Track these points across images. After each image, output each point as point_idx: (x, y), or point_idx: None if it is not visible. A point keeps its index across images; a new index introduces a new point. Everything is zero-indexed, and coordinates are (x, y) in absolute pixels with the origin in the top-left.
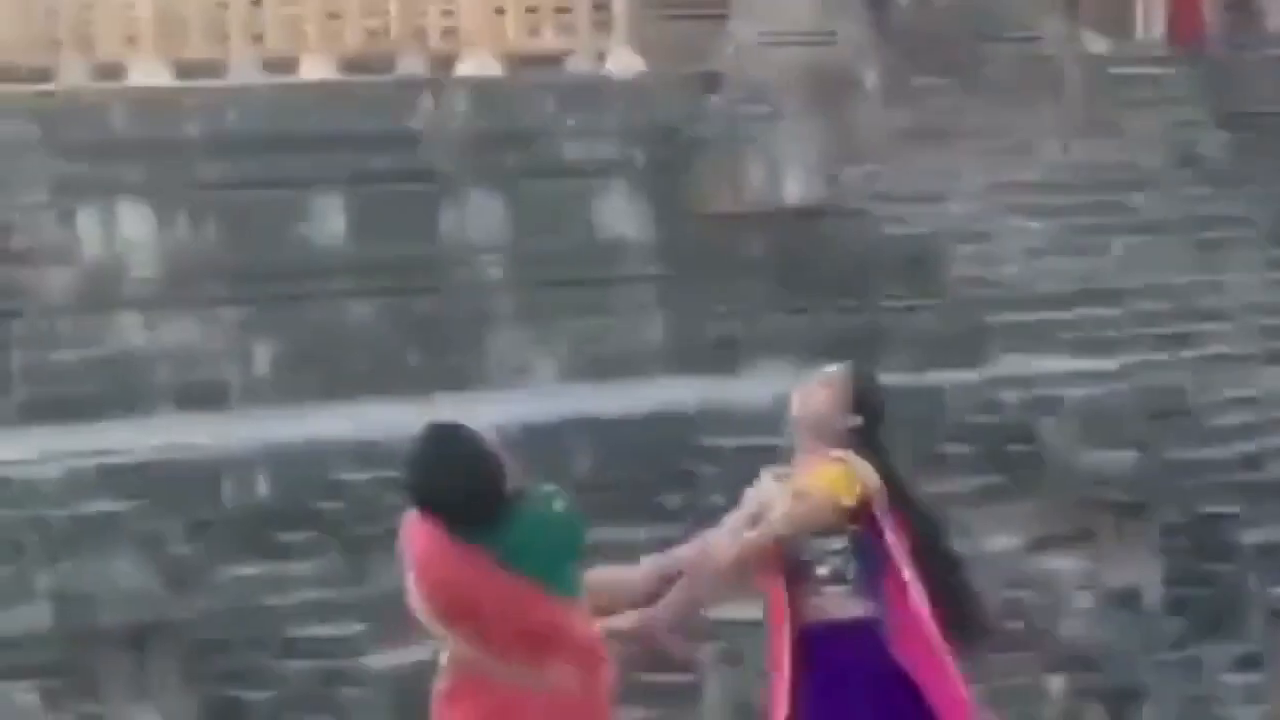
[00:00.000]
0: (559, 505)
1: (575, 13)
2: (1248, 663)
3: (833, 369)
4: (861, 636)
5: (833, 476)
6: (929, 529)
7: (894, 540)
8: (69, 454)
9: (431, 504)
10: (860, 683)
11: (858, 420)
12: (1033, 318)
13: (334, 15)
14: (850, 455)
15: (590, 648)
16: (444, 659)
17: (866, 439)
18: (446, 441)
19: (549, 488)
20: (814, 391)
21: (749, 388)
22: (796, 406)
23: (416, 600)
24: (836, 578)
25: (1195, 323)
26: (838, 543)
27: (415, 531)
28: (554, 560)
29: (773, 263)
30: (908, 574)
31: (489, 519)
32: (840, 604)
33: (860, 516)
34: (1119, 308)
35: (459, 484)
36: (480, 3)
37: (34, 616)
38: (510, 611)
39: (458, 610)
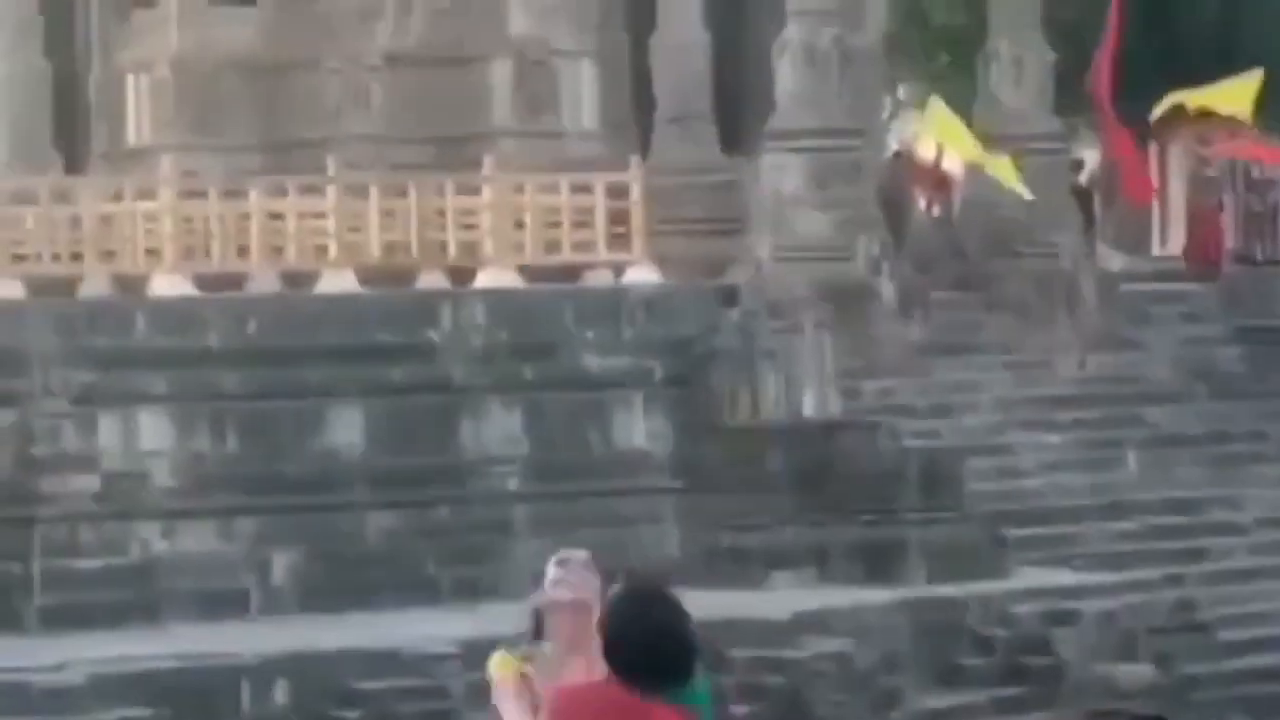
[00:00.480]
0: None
1: (593, 227)
2: None
3: (577, 551)
4: None
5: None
6: None
7: None
8: (90, 661)
9: (650, 668)
10: None
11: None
12: (1050, 531)
13: (354, 229)
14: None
15: None
16: None
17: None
18: (658, 604)
19: None
20: (571, 572)
21: (766, 600)
22: (554, 592)
23: None
24: None
25: (1210, 537)
26: None
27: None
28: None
29: (790, 475)
30: None
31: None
32: None
33: None
34: (1135, 521)
35: (679, 646)
36: (499, 217)
37: None
38: None
39: None
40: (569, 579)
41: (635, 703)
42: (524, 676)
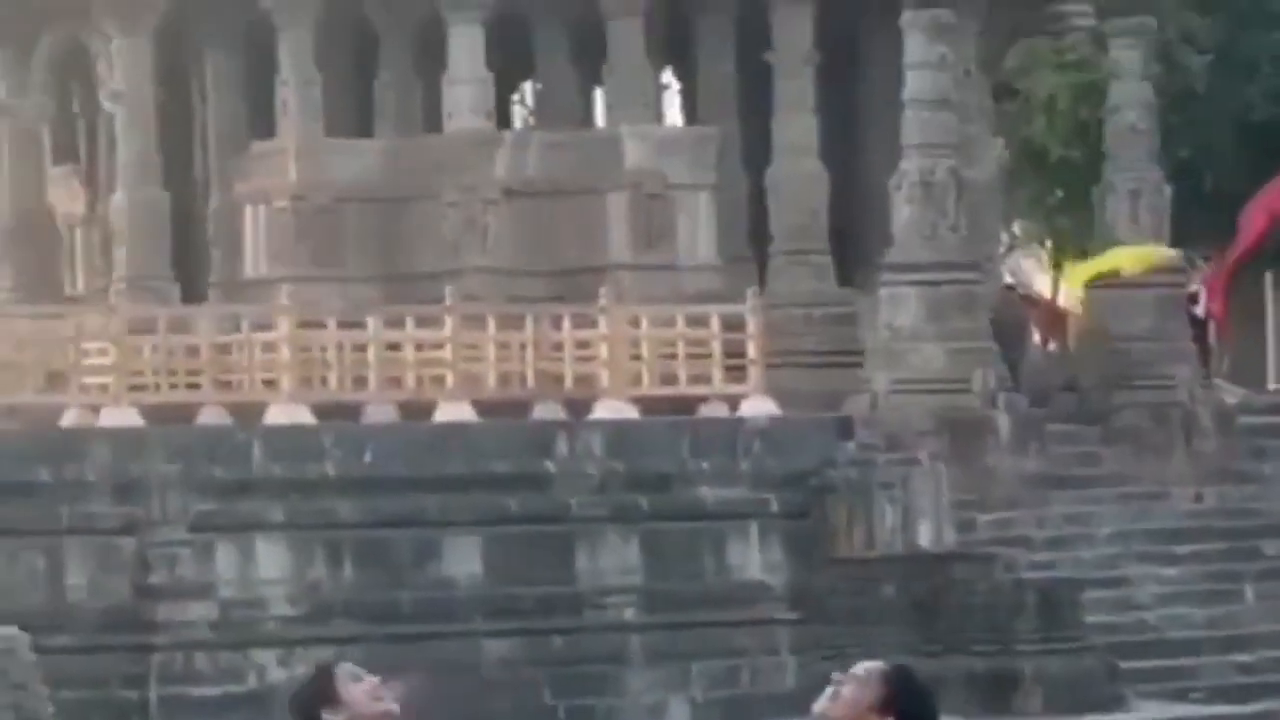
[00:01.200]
0: None
1: (709, 359)
2: None
3: (866, 665)
4: None
5: None
6: None
7: None
8: None
9: None
10: None
11: None
12: (1167, 664)
13: (471, 360)
14: None
15: None
16: None
17: None
18: None
19: None
20: (843, 688)
21: None
22: (823, 704)
23: None
24: None
25: None
26: None
27: None
28: None
29: (906, 606)
30: None
31: None
32: None
33: None
34: (1253, 654)
35: None
36: (615, 348)
37: None
38: None
39: None
40: (834, 696)
41: None
42: None
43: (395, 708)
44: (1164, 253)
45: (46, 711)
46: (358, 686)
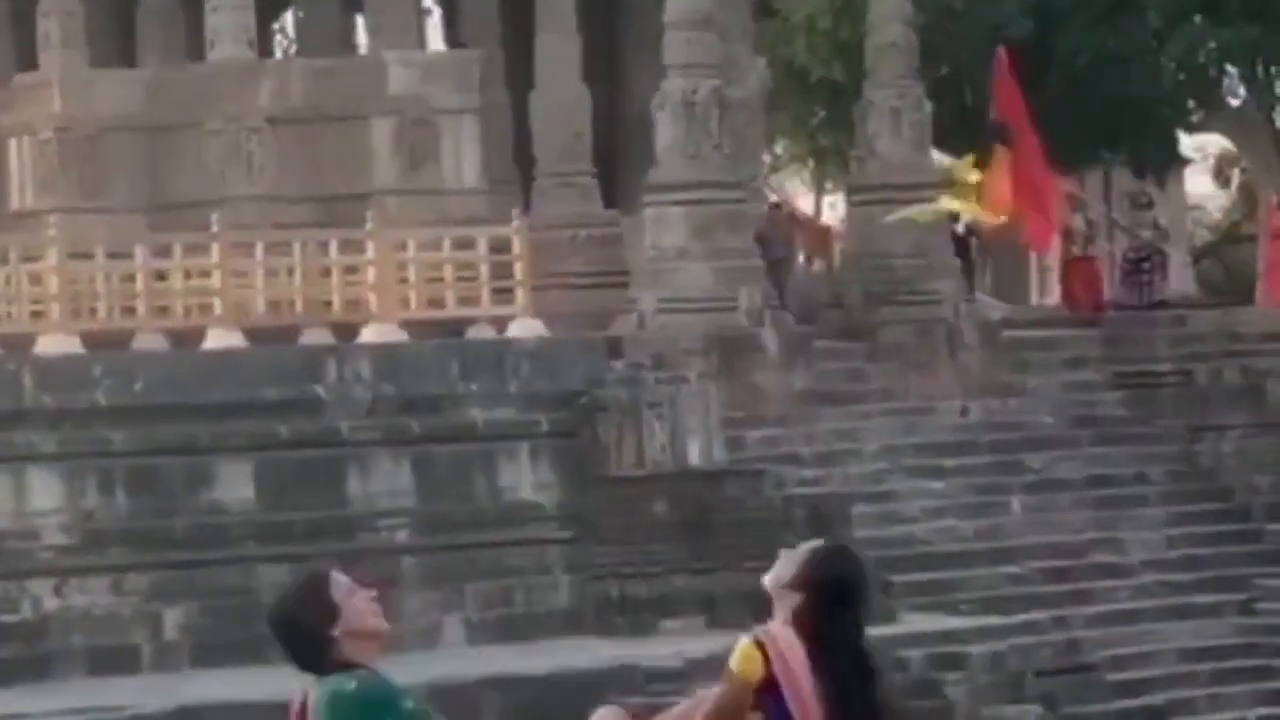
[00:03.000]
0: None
1: (477, 282)
2: None
3: (809, 544)
4: None
5: (740, 655)
6: (847, 701)
7: (805, 710)
8: None
9: None
10: None
11: (796, 597)
12: (936, 576)
13: (240, 287)
14: (770, 631)
15: None
16: None
17: (809, 617)
18: None
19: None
20: (778, 565)
21: (655, 647)
22: (769, 579)
23: None
24: None
25: (1095, 579)
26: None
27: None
28: None
29: (678, 524)
30: None
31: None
32: None
33: (765, 690)
34: (1020, 565)
35: None
36: (383, 272)
37: None
38: None
39: None
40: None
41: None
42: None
43: (387, 625)
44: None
45: None
46: (354, 598)
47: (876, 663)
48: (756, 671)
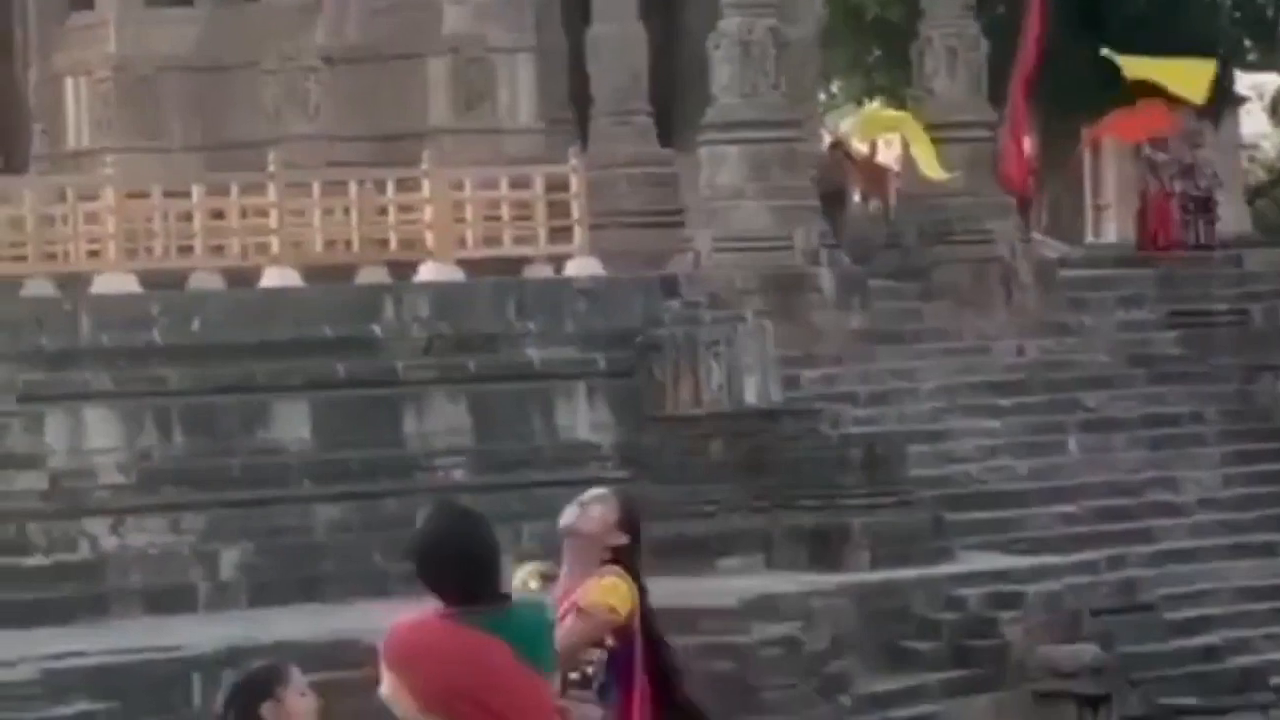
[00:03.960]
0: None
1: (533, 220)
2: None
3: (604, 490)
4: None
5: (612, 592)
6: (662, 644)
7: (639, 653)
8: (40, 657)
9: (454, 581)
10: None
11: (624, 539)
12: (992, 515)
13: (296, 226)
14: (621, 572)
15: None
16: None
17: (629, 557)
18: (465, 520)
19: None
20: (590, 508)
21: (712, 586)
22: (572, 519)
23: (413, 698)
24: (585, 683)
25: (1152, 518)
26: (596, 652)
27: (419, 628)
28: (550, 654)
29: (733, 463)
30: (641, 686)
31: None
32: (581, 709)
33: (623, 630)
34: (1076, 504)
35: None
36: (439, 211)
37: None
38: (534, 704)
39: (470, 703)
40: (572, 511)
41: (462, 630)
42: (545, 578)
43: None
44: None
45: None
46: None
47: None
48: (631, 612)
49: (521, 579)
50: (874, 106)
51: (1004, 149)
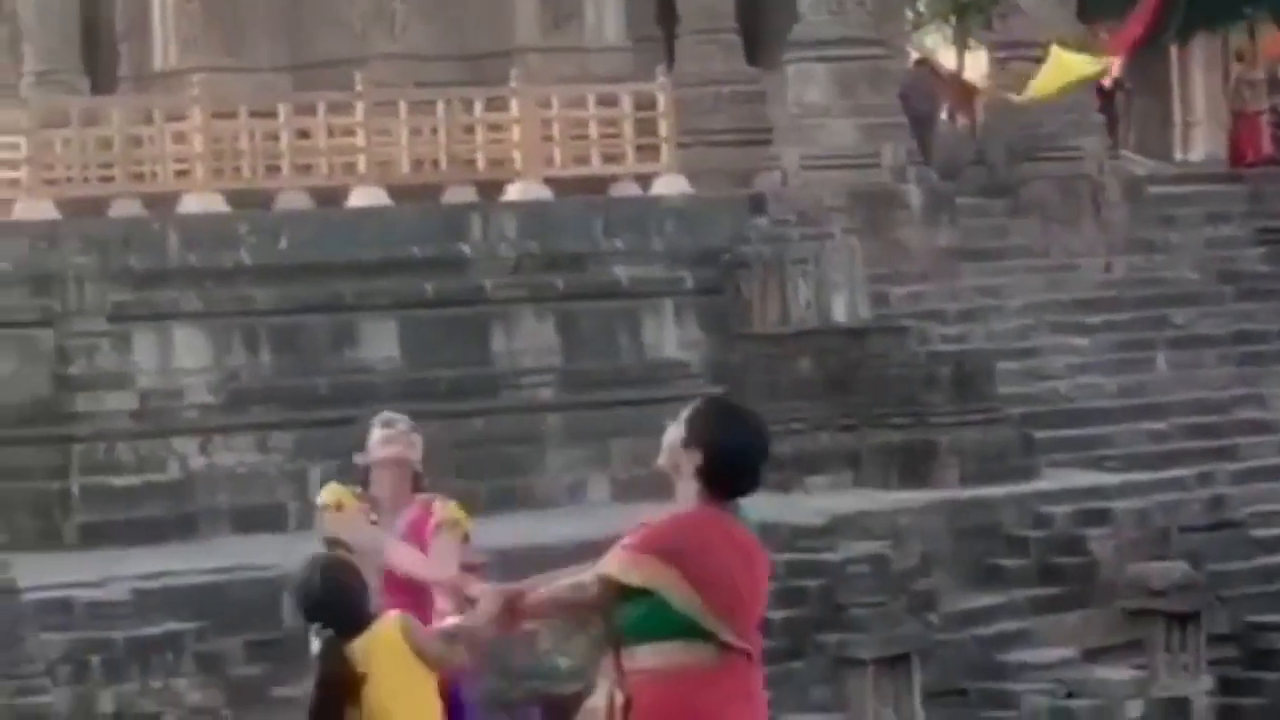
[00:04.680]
0: None
1: (621, 139)
2: None
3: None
4: None
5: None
6: None
7: None
8: (130, 576)
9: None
10: None
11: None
12: (1080, 432)
13: (383, 145)
14: None
15: None
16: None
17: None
18: (750, 417)
19: None
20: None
21: (801, 504)
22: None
23: (694, 589)
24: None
25: (1239, 435)
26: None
27: (700, 520)
28: None
29: (821, 381)
30: None
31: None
32: None
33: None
34: (1164, 421)
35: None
36: (527, 130)
37: None
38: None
39: (740, 595)
40: (395, 438)
41: (737, 526)
42: (360, 498)
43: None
44: (1098, 64)
45: None
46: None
47: None
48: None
49: (335, 494)
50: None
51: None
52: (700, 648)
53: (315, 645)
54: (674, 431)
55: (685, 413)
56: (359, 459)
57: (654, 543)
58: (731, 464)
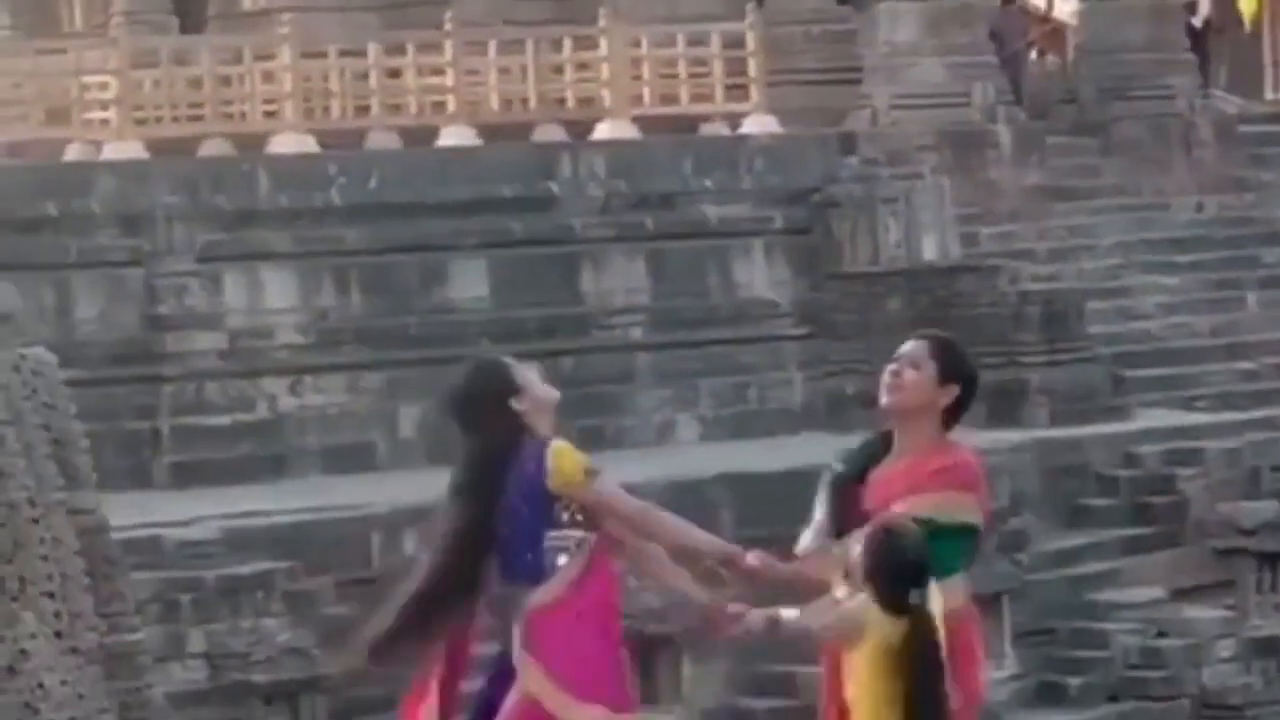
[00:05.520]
0: None
1: (710, 78)
2: None
3: (907, 348)
4: None
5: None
6: None
7: None
8: (220, 515)
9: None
10: None
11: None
12: (1170, 372)
13: (472, 85)
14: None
15: None
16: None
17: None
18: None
19: None
20: (901, 376)
21: None
22: (886, 398)
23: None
24: None
25: None
26: None
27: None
28: None
29: (911, 321)
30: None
31: None
32: None
33: None
34: (1255, 361)
35: None
36: (616, 69)
37: (189, 675)
38: None
39: None
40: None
41: None
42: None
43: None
44: None
45: (77, 430)
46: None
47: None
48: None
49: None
50: None
51: None
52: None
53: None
54: (924, 369)
55: (923, 348)
56: (516, 404)
57: (964, 478)
58: (974, 396)
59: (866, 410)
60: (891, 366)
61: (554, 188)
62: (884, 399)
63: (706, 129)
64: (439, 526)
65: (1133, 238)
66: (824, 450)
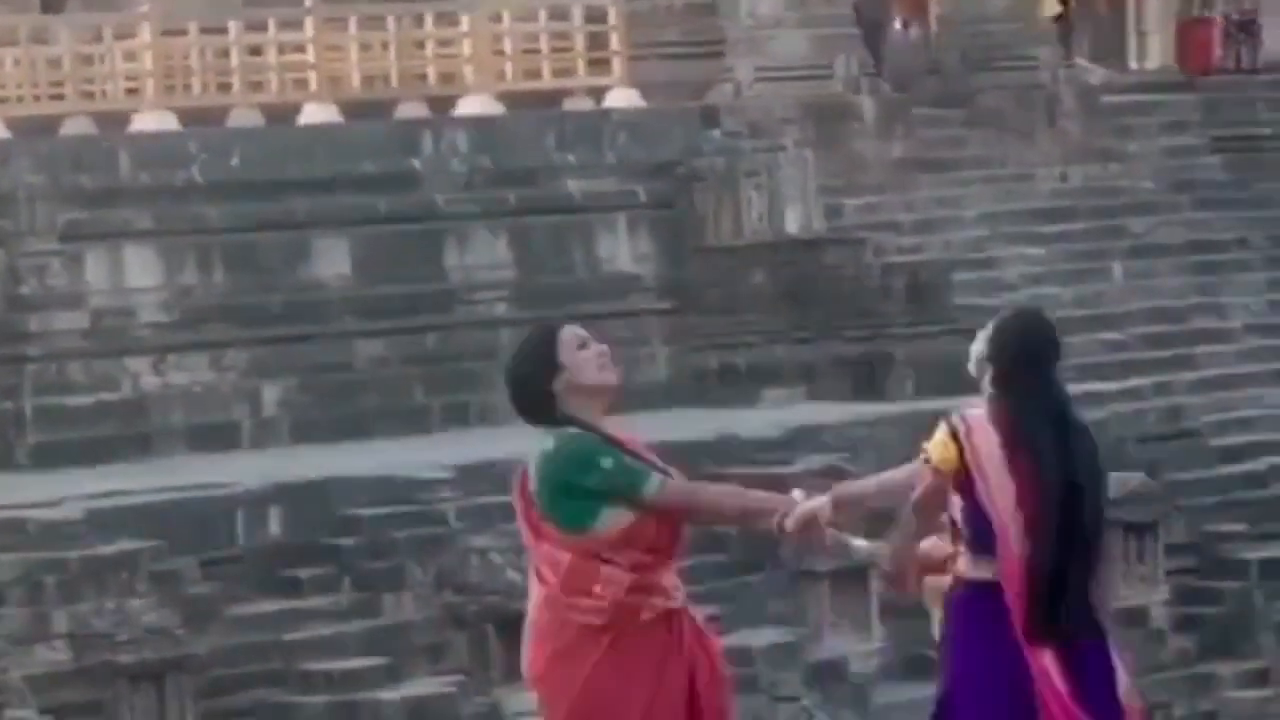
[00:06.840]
0: None
1: (572, 52)
2: (1257, 679)
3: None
4: (983, 600)
5: (936, 445)
6: (1050, 495)
7: (997, 505)
8: (84, 496)
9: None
10: (999, 645)
11: (990, 369)
12: None
13: (334, 61)
14: (966, 417)
15: None
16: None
17: (1005, 386)
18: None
19: None
20: (975, 342)
21: (755, 417)
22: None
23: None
24: (957, 538)
25: (1196, 345)
26: (957, 504)
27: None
28: None
29: (776, 293)
30: (1015, 544)
31: None
32: (963, 564)
33: (960, 481)
34: (1121, 331)
35: None
36: (478, 44)
37: (53, 656)
38: None
39: None
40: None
41: None
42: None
43: (616, 379)
44: None
45: None
46: (582, 353)
47: (1080, 422)
48: (952, 462)
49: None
50: None
51: None
52: None
53: None
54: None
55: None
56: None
57: None
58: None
59: (730, 385)
60: None
61: (417, 164)
62: None
63: (569, 104)
64: None
65: (998, 209)
66: (690, 425)
